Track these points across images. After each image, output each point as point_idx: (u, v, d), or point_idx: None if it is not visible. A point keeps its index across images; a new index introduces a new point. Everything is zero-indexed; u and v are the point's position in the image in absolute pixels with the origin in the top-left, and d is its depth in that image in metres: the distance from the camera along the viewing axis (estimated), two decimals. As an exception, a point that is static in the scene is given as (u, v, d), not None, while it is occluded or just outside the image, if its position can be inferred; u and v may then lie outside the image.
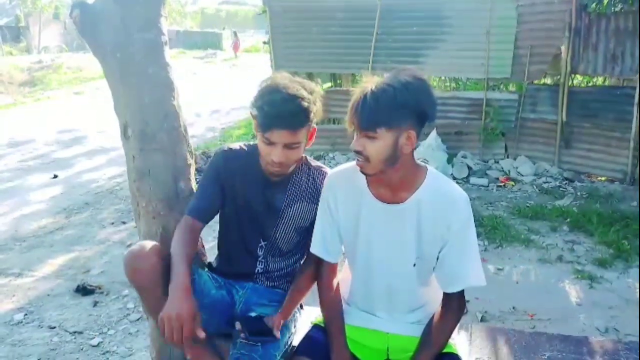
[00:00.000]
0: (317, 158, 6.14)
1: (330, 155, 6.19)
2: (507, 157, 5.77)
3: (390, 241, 1.41)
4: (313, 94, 1.48)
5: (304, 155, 1.62)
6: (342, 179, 1.48)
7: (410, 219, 1.38)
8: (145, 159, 1.68)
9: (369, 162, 1.29)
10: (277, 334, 1.48)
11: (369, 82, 1.27)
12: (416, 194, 1.37)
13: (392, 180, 1.36)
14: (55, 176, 6.04)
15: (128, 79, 1.63)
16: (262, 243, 1.65)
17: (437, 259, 1.42)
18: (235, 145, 1.64)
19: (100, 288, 3.29)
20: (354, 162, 1.43)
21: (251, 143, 1.66)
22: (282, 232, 1.64)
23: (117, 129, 1.75)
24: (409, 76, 1.26)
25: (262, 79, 1.53)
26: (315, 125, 1.54)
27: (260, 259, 1.67)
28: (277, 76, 1.50)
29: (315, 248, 1.55)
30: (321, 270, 1.56)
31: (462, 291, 1.43)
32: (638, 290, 3.18)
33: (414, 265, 1.42)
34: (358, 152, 1.29)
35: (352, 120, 1.28)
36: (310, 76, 7.05)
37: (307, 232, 1.64)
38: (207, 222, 1.59)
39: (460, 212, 1.36)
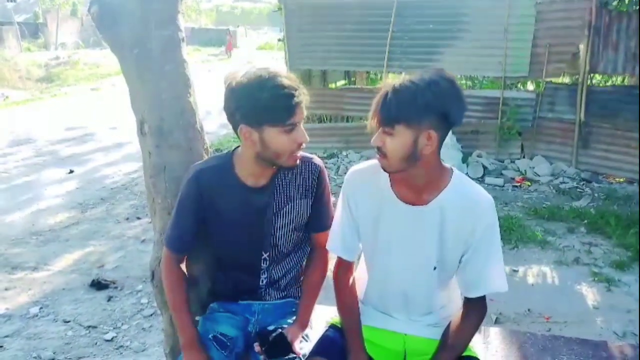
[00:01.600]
0: (331, 156, 6.13)
1: (344, 153, 6.18)
2: (524, 156, 5.70)
3: (411, 244, 1.39)
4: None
5: None
6: (364, 177, 1.46)
7: (432, 222, 1.35)
8: (162, 156, 1.69)
9: (386, 158, 1.28)
10: (298, 348, 1.44)
11: (396, 79, 1.26)
12: (440, 197, 1.34)
13: (416, 181, 1.34)
14: (71, 171, 6.11)
15: (145, 75, 1.63)
16: (265, 255, 1.57)
17: (460, 263, 1.40)
18: (204, 164, 1.55)
19: (114, 283, 3.33)
20: (375, 160, 1.42)
21: (220, 154, 1.58)
22: (282, 237, 1.56)
23: (133, 125, 1.76)
24: (436, 75, 1.23)
25: (226, 81, 1.41)
26: None
27: (263, 271, 1.60)
28: (240, 73, 1.40)
29: (333, 245, 1.54)
30: (338, 269, 1.55)
31: (484, 296, 1.41)
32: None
33: (434, 269, 1.41)
34: (378, 148, 1.28)
35: (374, 115, 1.27)
36: (324, 74, 7.06)
37: (305, 225, 1.60)
38: (188, 252, 1.57)
39: (485, 217, 1.33)
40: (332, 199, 1.61)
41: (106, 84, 14.09)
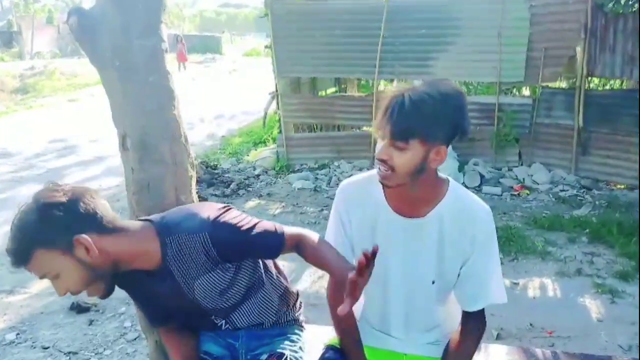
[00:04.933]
0: (322, 167, 6.14)
1: (336, 163, 6.20)
2: (521, 164, 5.75)
3: (409, 258, 1.40)
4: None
5: (148, 221, 1.37)
6: (357, 190, 1.46)
7: (430, 234, 1.37)
8: (145, 171, 1.69)
9: (393, 172, 1.26)
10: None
11: (402, 89, 1.23)
12: (437, 208, 1.36)
13: (413, 194, 1.34)
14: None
15: (127, 87, 1.63)
16: (213, 317, 1.49)
17: (458, 276, 1.41)
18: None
19: (95, 306, 3.29)
20: (369, 172, 1.42)
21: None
22: (213, 304, 1.43)
23: (114, 138, 1.76)
24: (448, 88, 1.22)
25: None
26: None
27: (222, 325, 1.52)
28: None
29: None
30: (332, 287, 1.55)
31: (483, 309, 1.42)
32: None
33: (433, 282, 1.42)
34: (383, 161, 1.26)
35: (382, 125, 1.23)
36: (314, 81, 7.10)
37: (235, 278, 1.41)
38: (170, 323, 1.52)
39: (483, 227, 1.36)
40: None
41: (84, 94, 14.03)
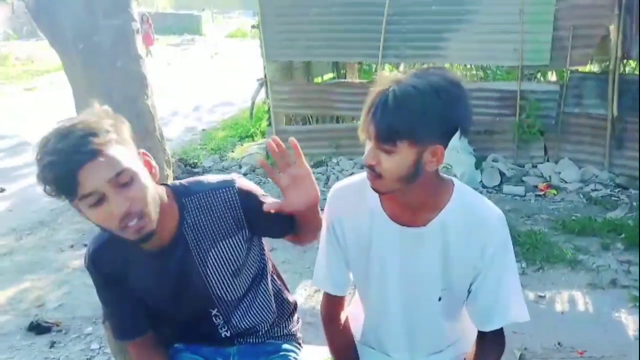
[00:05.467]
0: (318, 164, 6.15)
1: (334, 160, 6.21)
2: (547, 160, 5.77)
3: (410, 272, 1.41)
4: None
5: (163, 185, 1.43)
6: (349, 196, 1.47)
7: (434, 245, 1.37)
8: (114, 170, 1.69)
9: (381, 178, 1.27)
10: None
11: (389, 81, 1.22)
12: (441, 215, 1.36)
13: (411, 200, 1.35)
14: (2, 190, 6.05)
15: (92, 73, 1.64)
16: (214, 312, 1.54)
17: (469, 292, 1.42)
18: (96, 241, 1.47)
19: (58, 325, 3.29)
20: (362, 174, 1.42)
21: None
22: (224, 288, 1.51)
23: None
24: (441, 79, 1.21)
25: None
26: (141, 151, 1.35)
27: (220, 325, 1.58)
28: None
29: (319, 281, 1.56)
30: (326, 306, 1.57)
31: (501, 329, 1.43)
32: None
33: (440, 299, 1.42)
34: (370, 166, 1.27)
35: (366, 127, 1.24)
36: (308, 66, 7.11)
37: (246, 259, 1.53)
38: (146, 331, 1.53)
39: (495, 235, 1.36)
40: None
41: (43, 82, 13.99)
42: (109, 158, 1.19)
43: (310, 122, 6.88)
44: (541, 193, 5.27)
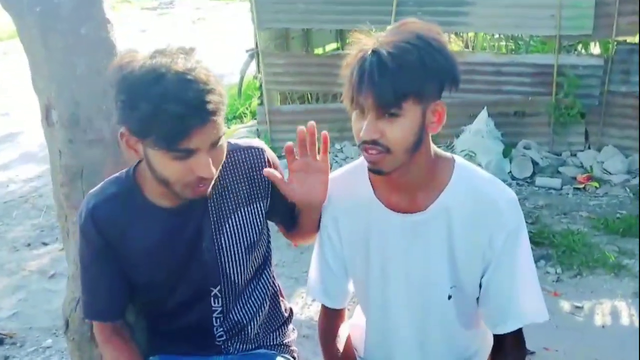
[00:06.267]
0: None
1: (337, 146, 6.20)
2: (589, 147, 5.76)
3: (415, 267, 1.43)
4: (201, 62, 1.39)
5: None
6: (342, 188, 1.50)
7: (437, 232, 1.40)
8: (78, 155, 1.70)
9: (389, 153, 1.29)
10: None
11: (368, 44, 1.28)
12: (442, 197, 1.38)
13: (408, 180, 1.38)
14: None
15: (52, 41, 1.65)
16: (215, 290, 1.60)
17: (480, 286, 1.43)
18: (98, 195, 1.52)
19: (11, 337, 3.31)
20: (353, 163, 1.47)
21: (116, 176, 1.56)
22: (233, 264, 1.59)
23: (34, 110, 1.77)
24: (423, 29, 1.29)
25: (121, 61, 1.35)
26: None
27: (217, 312, 1.62)
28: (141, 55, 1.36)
29: (313, 291, 1.58)
30: (323, 320, 1.59)
31: (520, 333, 1.44)
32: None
33: (449, 297, 1.44)
34: (373, 142, 1.29)
35: (356, 96, 1.28)
36: (307, 34, 7.09)
37: (260, 236, 1.63)
38: (122, 314, 1.60)
39: (505, 219, 1.37)
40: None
41: (-5, 52, 13.97)
42: (219, 121, 1.33)
43: (309, 100, 6.87)
44: (580, 186, 5.26)
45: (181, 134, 1.27)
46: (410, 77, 1.23)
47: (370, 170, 1.36)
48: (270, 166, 1.56)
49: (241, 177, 1.56)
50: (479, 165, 5.16)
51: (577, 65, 5.73)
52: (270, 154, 1.59)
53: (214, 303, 1.60)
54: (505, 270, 1.39)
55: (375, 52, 1.25)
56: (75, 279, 1.77)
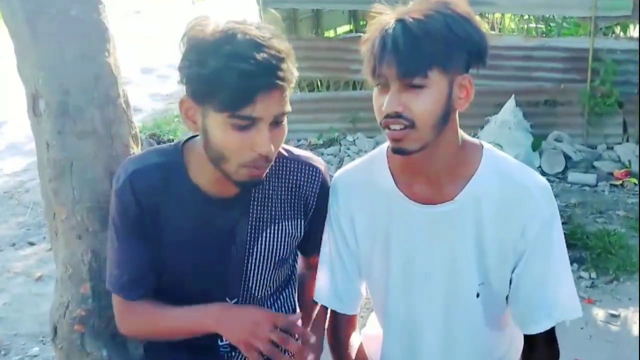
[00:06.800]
0: (329, 143, 6.15)
1: (349, 138, 6.20)
2: (627, 140, 5.74)
3: (439, 262, 1.44)
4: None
5: None
6: (358, 180, 1.51)
7: (465, 224, 1.40)
8: (67, 147, 1.71)
9: (414, 128, 1.29)
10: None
11: (390, 16, 1.30)
12: (471, 185, 1.39)
13: (433, 165, 1.38)
14: None
15: (40, 24, 1.65)
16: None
17: (510, 282, 1.44)
18: (140, 161, 1.55)
19: (-5, 345, 3.33)
20: (368, 155, 1.49)
21: (164, 147, 1.61)
22: (257, 277, 1.61)
23: (20, 99, 1.78)
24: (450, 1, 1.30)
25: (188, 27, 1.40)
26: None
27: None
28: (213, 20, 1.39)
29: (322, 295, 1.58)
30: (332, 327, 1.59)
31: (552, 332, 1.45)
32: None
33: (478, 295, 1.45)
34: (397, 116, 1.29)
35: (378, 66, 1.29)
36: (317, 15, 7.08)
37: (291, 254, 1.67)
38: (149, 293, 1.60)
39: (539, 207, 1.38)
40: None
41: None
42: (286, 93, 1.36)
43: (319, 88, 6.86)
44: (617, 182, 5.24)
45: (247, 95, 1.29)
46: (437, 44, 1.25)
47: (393, 150, 1.36)
48: (321, 190, 1.60)
49: (289, 189, 1.59)
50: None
51: (614, 50, 5.70)
52: (326, 179, 1.62)
53: None
54: (538, 262, 1.40)
55: (399, 20, 1.27)
56: (64, 282, 1.78)
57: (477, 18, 1.35)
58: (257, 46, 1.30)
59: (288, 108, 1.39)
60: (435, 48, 1.25)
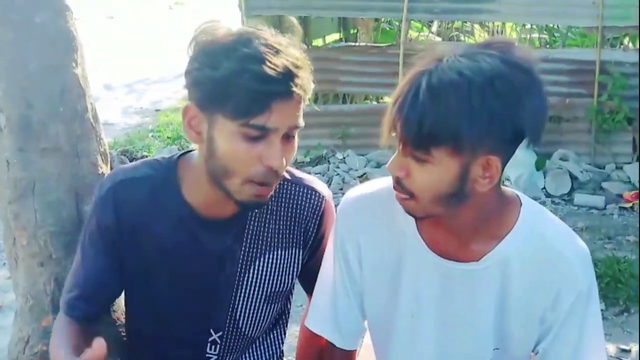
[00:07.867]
0: (317, 161, 6.14)
1: (339, 155, 6.19)
2: (637, 159, 5.77)
3: (453, 319, 1.41)
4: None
5: None
6: (369, 211, 1.47)
7: (488, 285, 1.36)
8: (29, 166, 1.70)
9: (413, 199, 1.26)
10: None
11: (434, 57, 1.19)
12: (501, 247, 1.34)
13: (459, 226, 1.34)
14: None
15: (1, 33, 1.65)
16: (215, 336, 1.60)
17: (535, 352, 1.42)
18: (128, 172, 1.55)
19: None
20: (387, 178, 1.39)
21: (157, 160, 1.59)
22: (247, 311, 1.60)
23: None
24: (501, 60, 1.17)
25: (197, 30, 1.41)
26: None
27: None
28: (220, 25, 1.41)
29: (321, 326, 1.55)
30: (302, 342, 1.58)
31: None
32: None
33: (496, 349, 1.42)
34: (397, 181, 1.27)
35: (393, 122, 1.22)
36: (305, 23, 7.10)
37: (284, 288, 1.65)
38: (98, 316, 1.58)
39: (576, 276, 1.35)
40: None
41: None
42: (301, 105, 1.39)
43: (307, 101, 6.85)
44: (627, 205, 5.26)
45: (262, 101, 1.29)
46: (445, 119, 1.14)
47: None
48: (322, 219, 1.60)
49: (288, 214, 1.58)
50: (507, 179, 5.16)
51: (622, 62, 5.74)
52: (330, 207, 1.62)
53: (210, 349, 1.60)
54: (570, 338, 1.37)
55: (428, 73, 1.17)
56: (24, 314, 1.76)
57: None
58: (275, 51, 1.31)
59: (302, 122, 1.40)
60: (444, 126, 1.15)
